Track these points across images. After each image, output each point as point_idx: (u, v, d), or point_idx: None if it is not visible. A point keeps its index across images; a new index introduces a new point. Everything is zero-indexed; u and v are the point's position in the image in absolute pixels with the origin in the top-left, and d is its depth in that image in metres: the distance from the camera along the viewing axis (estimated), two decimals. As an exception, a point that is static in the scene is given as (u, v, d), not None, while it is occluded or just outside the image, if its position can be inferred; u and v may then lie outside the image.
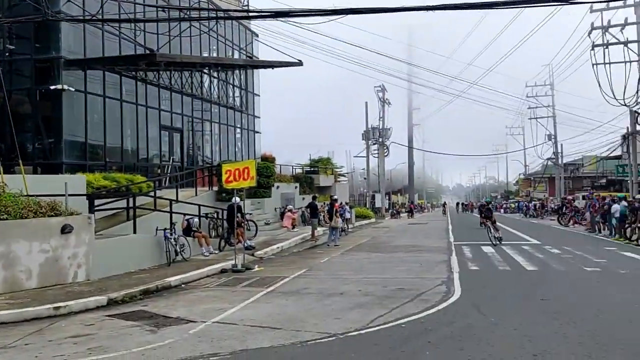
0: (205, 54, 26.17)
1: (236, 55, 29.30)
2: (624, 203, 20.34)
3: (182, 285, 11.27)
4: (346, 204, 32.65)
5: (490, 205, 22.13)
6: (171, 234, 14.07)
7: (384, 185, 53.20)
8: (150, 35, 20.44)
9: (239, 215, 15.76)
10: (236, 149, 29.61)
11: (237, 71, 29.18)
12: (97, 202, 13.61)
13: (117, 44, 19.61)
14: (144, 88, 21.20)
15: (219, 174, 16.01)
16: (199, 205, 17.22)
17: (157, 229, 14.04)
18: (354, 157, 56.91)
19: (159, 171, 22.20)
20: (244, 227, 17.11)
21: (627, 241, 18.96)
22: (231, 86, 29.05)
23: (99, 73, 18.84)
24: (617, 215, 20.20)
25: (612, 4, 25.64)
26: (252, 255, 15.76)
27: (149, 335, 7.20)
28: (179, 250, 14.21)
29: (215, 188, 20.17)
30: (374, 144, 50.44)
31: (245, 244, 15.99)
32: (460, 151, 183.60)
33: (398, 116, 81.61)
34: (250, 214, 20.89)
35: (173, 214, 14.88)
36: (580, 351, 6.03)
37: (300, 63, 25.73)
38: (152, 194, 15.71)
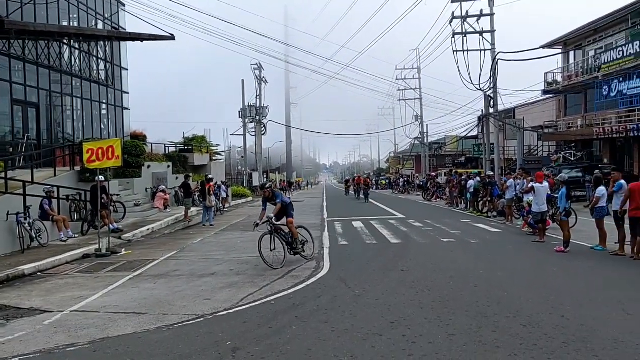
0: (65, 23, 24.01)
1: (100, 26, 27.22)
2: (478, 179, 22.35)
3: (39, 274, 10.45)
4: (223, 183, 32.20)
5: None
6: (25, 219, 12.92)
7: (262, 163, 53.17)
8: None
9: (104, 196, 14.86)
10: (102, 126, 27.72)
11: (101, 43, 27.12)
12: None
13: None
14: (-9, 58, 18.98)
15: (81, 152, 14.94)
16: (58, 187, 15.91)
17: (8, 214, 12.79)
18: (231, 135, 56.21)
19: (11, 150, 20.12)
20: (109, 208, 16.19)
21: (479, 214, 20.92)
22: (95, 59, 27.02)
23: None
24: (472, 190, 22.15)
25: (469, -4, 27.80)
26: (119, 238, 15.01)
27: (-5, 330, 6.60)
28: (34, 235, 13.12)
29: (78, 168, 18.77)
30: (251, 122, 50.05)
31: (112, 227, 15.17)
32: (337, 130, 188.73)
33: (275, 95, 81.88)
34: (118, 195, 19.80)
35: (28, 197, 13.64)
36: (431, 315, 6.57)
37: (172, 37, 24.53)
38: (2, 175, 14.23)
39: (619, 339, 5.54)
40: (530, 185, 13.54)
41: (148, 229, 17.36)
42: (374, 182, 69.35)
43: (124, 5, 29.53)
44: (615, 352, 5.18)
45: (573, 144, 32.60)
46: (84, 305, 7.72)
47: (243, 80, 49.95)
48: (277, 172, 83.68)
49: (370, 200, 35.23)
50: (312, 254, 11.10)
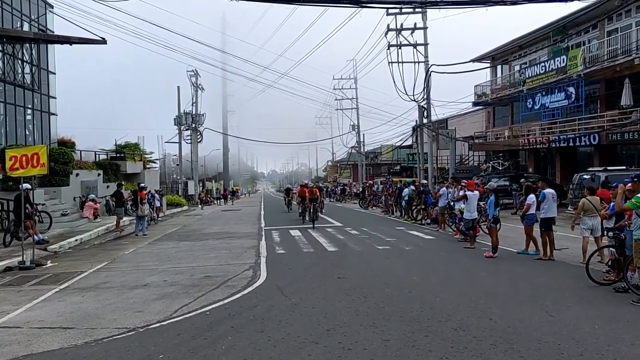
0: (-15, 22, 22.67)
1: (26, 27, 25.89)
2: (412, 187, 22.92)
3: (-47, 289, 9.75)
4: (157, 191, 31.34)
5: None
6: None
7: (197, 172, 52.17)
8: None
9: (28, 205, 14.09)
10: (27, 132, 26.24)
11: (27, 45, 25.76)
12: None
13: None
14: None
15: (3, 160, 14.12)
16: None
17: None
18: (166, 142, 54.84)
19: None
20: (34, 218, 15.36)
21: (413, 221, 21.45)
22: (20, 61, 25.62)
23: None
24: (406, 198, 22.69)
25: (404, 10, 28.60)
26: (45, 249, 14.28)
27: None
28: (-51, 248, 12.25)
29: (0, 176, 17.74)
30: (187, 129, 49.09)
31: (37, 238, 14.40)
32: (275, 139, 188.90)
33: (212, 102, 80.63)
34: (43, 204, 18.85)
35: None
36: (367, 322, 6.65)
37: (103, 41, 23.72)
38: None
39: (542, 339, 5.82)
40: (462, 194, 14.04)
41: (76, 240, 16.60)
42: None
43: (52, 7, 28.23)
44: (539, 352, 5.44)
45: (501, 154, 34.20)
46: (6, 321, 7.30)
47: (178, 87, 49.01)
48: (213, 181, 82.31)
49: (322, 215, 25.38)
50: None
